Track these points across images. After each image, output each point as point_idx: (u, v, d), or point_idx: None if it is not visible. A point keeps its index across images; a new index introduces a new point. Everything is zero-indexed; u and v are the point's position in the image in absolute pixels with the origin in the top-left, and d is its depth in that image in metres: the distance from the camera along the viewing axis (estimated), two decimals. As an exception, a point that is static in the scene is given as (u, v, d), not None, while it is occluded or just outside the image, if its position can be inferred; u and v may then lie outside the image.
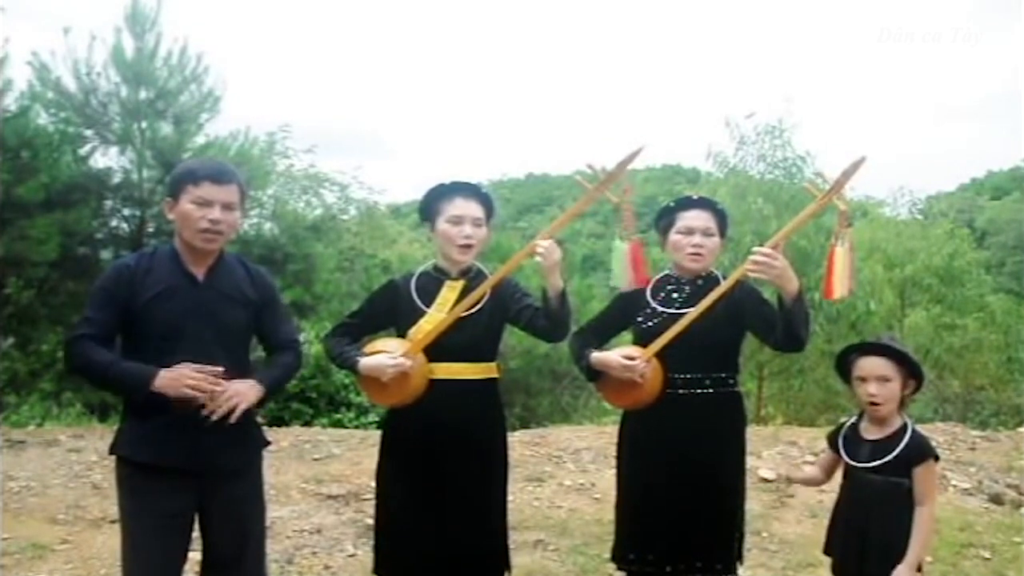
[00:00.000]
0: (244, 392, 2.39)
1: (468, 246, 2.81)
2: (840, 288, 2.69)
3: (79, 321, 2.40)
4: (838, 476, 2.74)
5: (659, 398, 2.87)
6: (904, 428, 2.55)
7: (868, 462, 2.55)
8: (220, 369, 2.33)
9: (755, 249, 2.65)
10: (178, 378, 2.29)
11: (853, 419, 2.68)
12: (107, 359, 2.34)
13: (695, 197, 3.08)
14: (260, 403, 2.47)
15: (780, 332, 2.75)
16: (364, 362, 2.75)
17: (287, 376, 2.64)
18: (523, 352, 12.21)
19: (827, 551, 2.71)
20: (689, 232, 2.95)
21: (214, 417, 2.33)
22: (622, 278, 2.86)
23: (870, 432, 2.60)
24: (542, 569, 4.03)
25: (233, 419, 2.36)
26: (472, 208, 2.82)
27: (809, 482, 2.93)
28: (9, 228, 6.48)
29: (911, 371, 2.56)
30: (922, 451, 2.51)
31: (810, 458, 5.96)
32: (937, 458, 2.55)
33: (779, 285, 2.67)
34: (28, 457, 5.64)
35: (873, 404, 2.55)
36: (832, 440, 2.71)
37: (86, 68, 7.44)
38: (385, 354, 2.73)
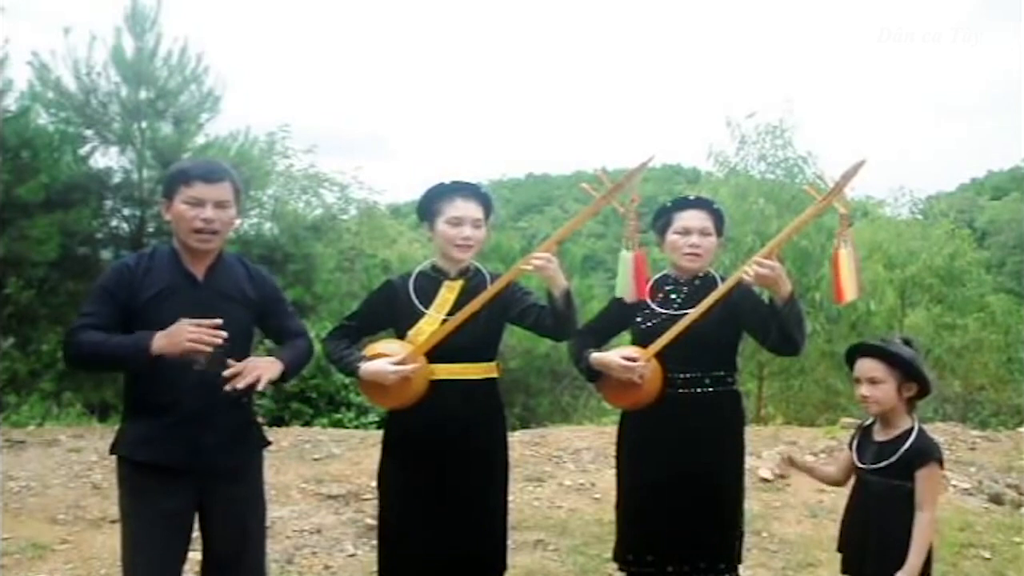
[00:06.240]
0: (266, 366, 2.39)
1: (468, 247, 2.81)
2: (850, 291, 2.70)
3: (77, 317, 2.39)
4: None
5: (659, 398, 2.87)
6: (910, 431, 2.54)
7: (873, 463, 2.56)
8: (219, 320, 2.28)
9: (758, 260, 2.66)
10: (176, 333, 2.24)
11: (870, 421, 2.67)
12: (100, 337, 2.31)
13: (692, 197, 3.10)
14: (279, 381, 2.46)
15: (774, 334, 2.76)
16: (365, 368, 2.73)
17: (303, 358, 2.61)
18: (523, 352, 12.19)
19: (840, 548, 2.72)
20: (686, 232, 2.96)
21: (239, 385, 2.31)
22: (625, 289, 2.87)
23: (879, 434, 2.60)
24: (542, 569, 4.03)
25: (261, 386, 2.34)
26: (472, 209, 2.82)
27: (823, 477, 2.93)
28: (9, 228, 6.48)
29: (907, 373, 2.53)
30: (923, 454, 2.49)
31: (810, 458, 5.96)
32: (941, 462, 2.52)
33: (772, 289, 2.68)
34: (28, 457, 5.64)
35: (866, 405, 2.56)
36: (851, 442, 2.71)
37: (86, 68, 7.44)
38: (386, 359, 2.72)
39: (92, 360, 2.43)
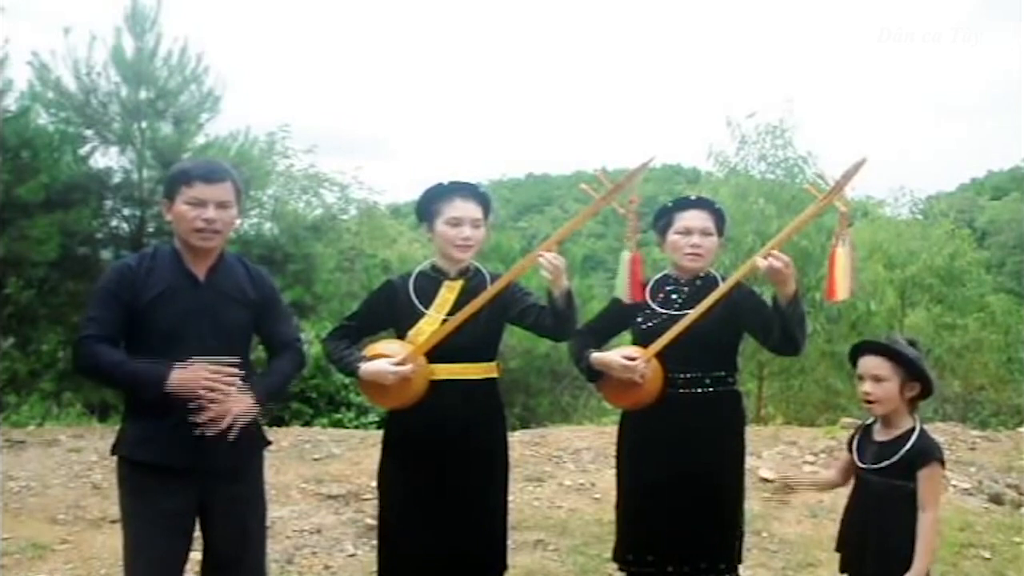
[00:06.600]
0: (235, 403, 2.39)
1: (467, 247, 2.81)
2: (842, 289, 2.70)
3: (84, 321, 2.39)
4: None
5: (659, 398, 2.87)
6: (912, 431, 2.53)
7: (873, 463, 2.55)
8: (235, 369, 2.34)
9: (773, 252, 2.65)
10: (194, 379, 2.29)
11: (870, 420, 2.67)
12: (116, 359, 2.35)
13: (693, 197, 3.10)
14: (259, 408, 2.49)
15: (776, 334, 2.76)
16: (365, 368, 2.74)
17: (285, 382, 2.64)
18: (523, 352, 12.18)
19: (838, 548, 2.72)
20: (687, 232, 2.96)
21: (209, 433, 2.35)
22: (621, 289, 2.88)
23: (880, 434, 2.59)
24: (542, 569, 4.03)
25: (231, 437, 2.38)
26: (471, 209, 2.82)
27: (823, 483, 2.92)
28: (9, 228, 6.48)
29: (911, 372, 2.53)
30: (925, 454, 2.48)
31: (810, 458, 5.96)
32: (943, 462, 2.51)
33: (779, 285, 2.68)
34: (28, 457, 5.64)
35: (868, 402, 2.56)
36: (849, 441, 2.71)
37: (86, 68, 7.45)
38: (386, 359, 2.72)
39: (106, 379, 2.51)
